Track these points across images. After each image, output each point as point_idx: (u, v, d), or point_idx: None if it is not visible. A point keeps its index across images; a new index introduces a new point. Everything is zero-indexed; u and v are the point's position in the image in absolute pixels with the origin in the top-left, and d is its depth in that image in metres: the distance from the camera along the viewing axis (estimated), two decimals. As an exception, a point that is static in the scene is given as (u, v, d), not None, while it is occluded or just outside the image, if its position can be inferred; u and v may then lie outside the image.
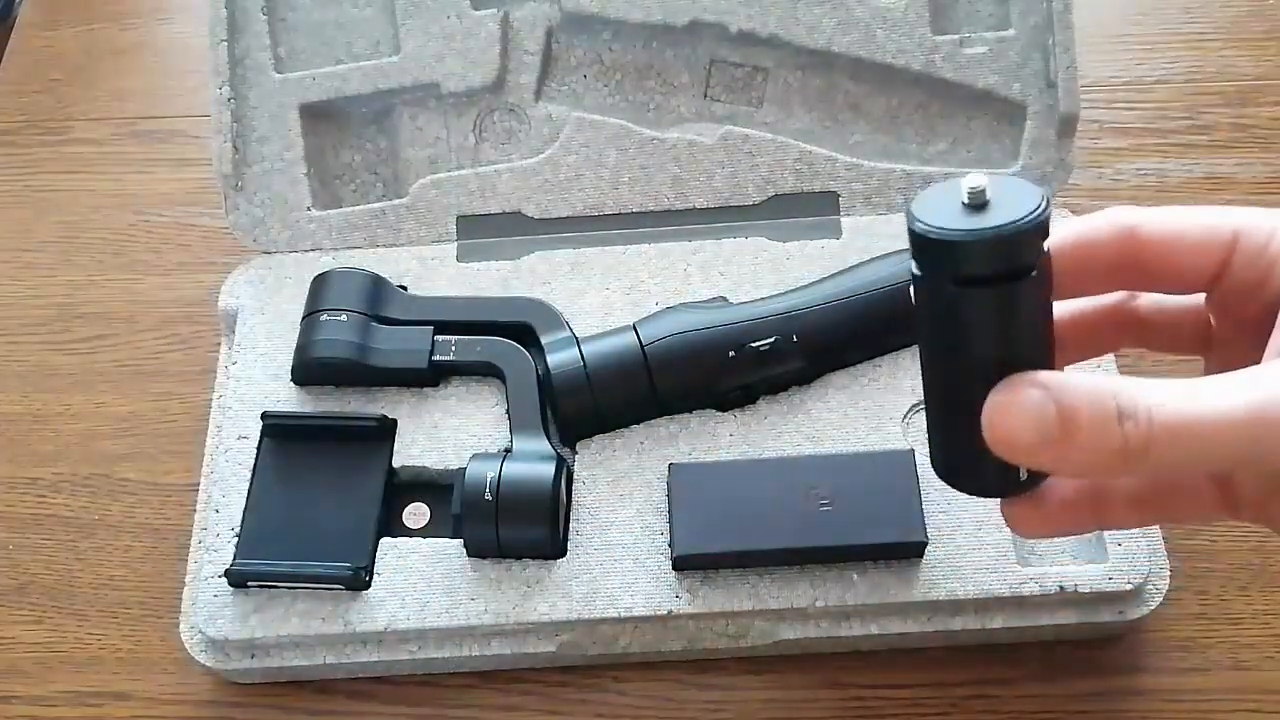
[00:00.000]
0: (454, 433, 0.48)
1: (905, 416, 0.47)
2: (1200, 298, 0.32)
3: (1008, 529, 0.44)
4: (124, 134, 0.64)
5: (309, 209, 0.54)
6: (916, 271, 0.28)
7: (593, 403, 0.46)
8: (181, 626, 0.46)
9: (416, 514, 0.47)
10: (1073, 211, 0.52)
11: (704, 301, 0.49)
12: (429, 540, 0.45)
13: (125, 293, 0.58)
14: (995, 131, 0.54)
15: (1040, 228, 0.27)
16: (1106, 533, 0.44)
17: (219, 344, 0.54)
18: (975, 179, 0.27)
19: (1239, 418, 0.25)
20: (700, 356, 0.46)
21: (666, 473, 0.46)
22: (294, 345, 0.49)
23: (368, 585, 0.44)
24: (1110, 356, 0.49)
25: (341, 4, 0.55)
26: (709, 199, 0.53)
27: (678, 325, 0.47)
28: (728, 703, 0.45)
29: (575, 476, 0.46)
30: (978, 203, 0.27)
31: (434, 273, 0.52)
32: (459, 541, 0.45)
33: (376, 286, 0.50)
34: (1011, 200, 0.27)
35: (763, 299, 0.48)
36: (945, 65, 0.53)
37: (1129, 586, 0.43)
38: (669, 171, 0.53)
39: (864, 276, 0.48)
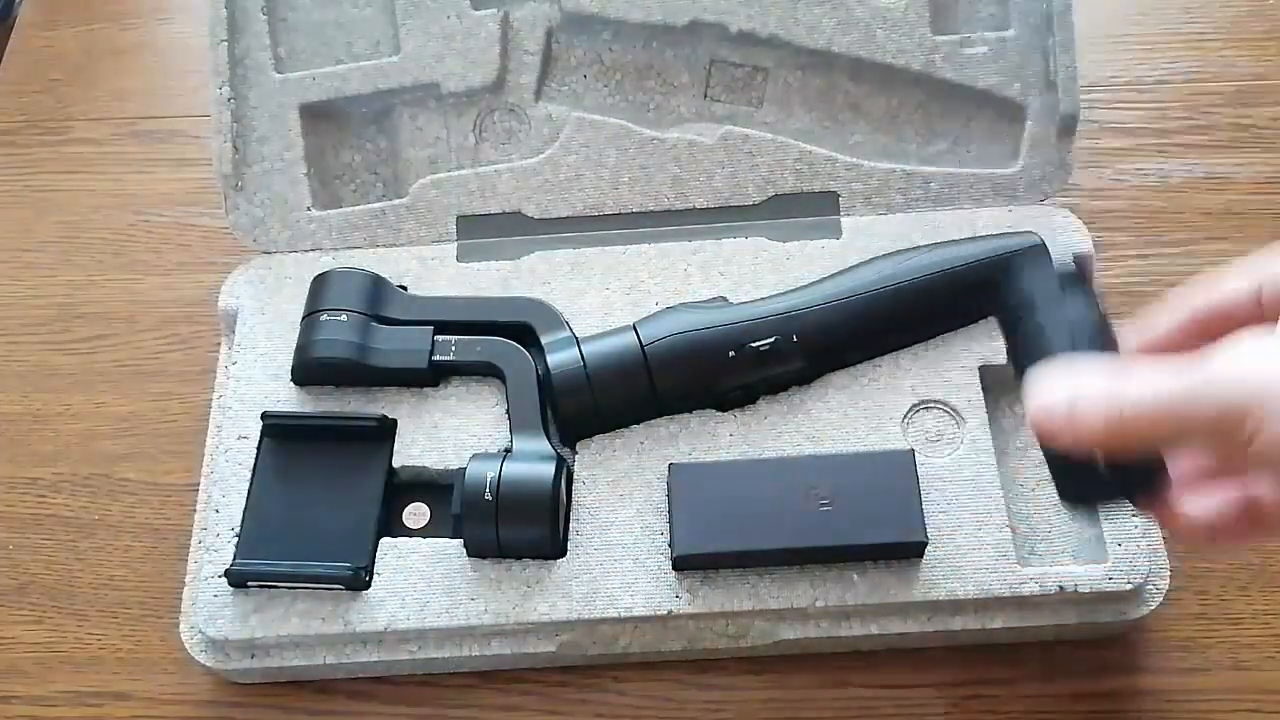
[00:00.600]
0: (454, 433, 0.48)
1: (905, 416, 0.47)
2: None
3: (1008, 529, 0.44)
4: (124, 134, 0.64)
5: (309, 209, 0.53)
6: None
7: (593, 403, 0.46)
8: (181, 626, 0.46)
9: (416, 514, 0.47)
10: (1073, 211, 0.52)
11: (704, 301, 0.49)
12: (429, 540, 0.45)
13: (125, 293, 0.58)
14: (995, 131, 0.54)
15: None
16: (1107, 533, 0.44)
17: (219, 344, 0.54)
18: None
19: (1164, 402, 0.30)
20: (700, 356, 0.46)
21: (666, 473, 0.46)
22: (294, 345, 0.49)
23: (368, 585, 0.44)
24: None
25: (341, 4, 0.55)
26: (709, 199, 0.53)
27: (678, 325, 0.47)
28: (728, 703, 0.45)
29: (575, 476, 0.46)
30: None
31: (434, 273, 0.52)
32: (459, 541, 0.45)
33: (376, 286, 0.50)
34: None
35: (763, 299, 0.48)
36: (945, 65, 0.53)
37: (1129, 586, 0.43)
38: (669, 171, 0.53)
39: (864, 276, 0.48)
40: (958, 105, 0.54)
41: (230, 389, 0.50)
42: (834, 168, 0.53)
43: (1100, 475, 0.34)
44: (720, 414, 0.48)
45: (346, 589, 0.44)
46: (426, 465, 0.47)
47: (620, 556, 0.45)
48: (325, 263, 0.52)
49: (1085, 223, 0.52)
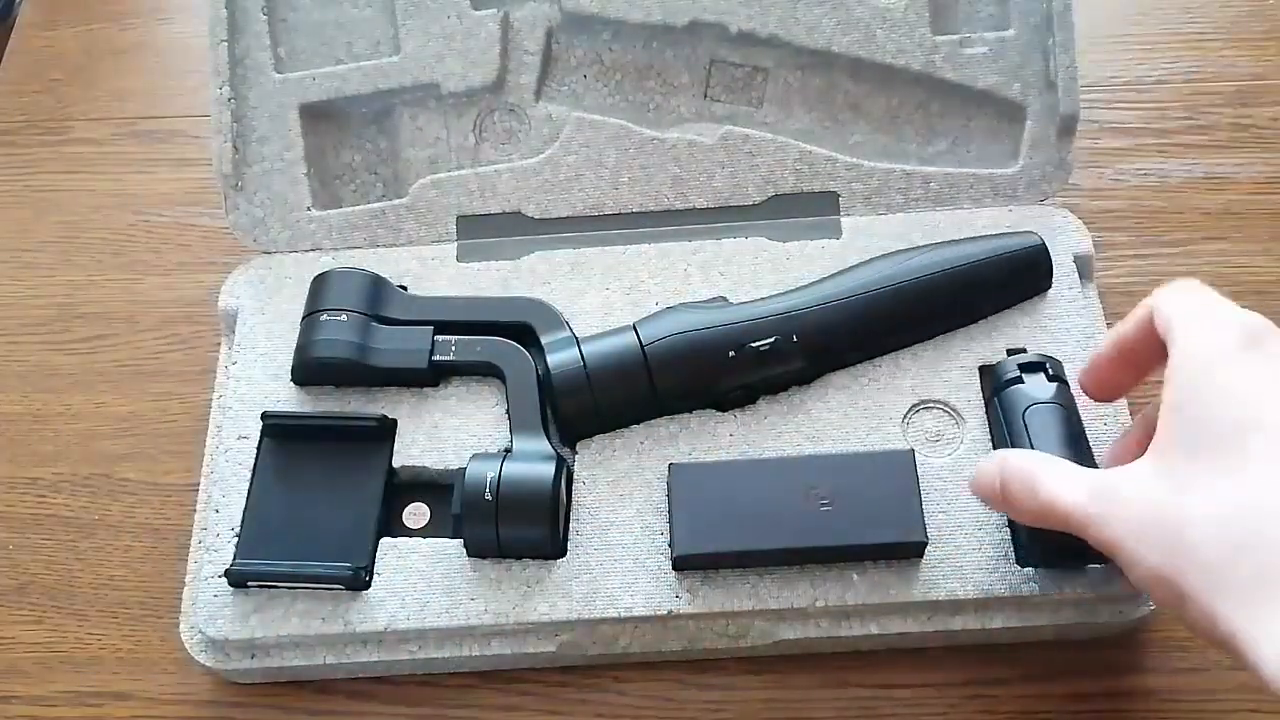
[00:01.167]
0: (454, 433, 0.48)
1: (905, 416, 0.47)
2: None
3: (1007, 529, 0.44)
4: (124, 134, 0.64)
5: (309, 209, 0.54)
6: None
7: (593, 403, 0.46)
8: (181, 626, 0.46)
9: (416, 514, 0.47)
10: (1073, 211, 0.52)
11: (704, 301, 0.49)
12: (429, 540, 0.45)
13: (125, 293, 0.58)
14: (995, 131, 0.54)
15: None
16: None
17: (219, 344, 0.54)
18: None
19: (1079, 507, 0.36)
20: (700, 356, 0.46)
21: (666, 473, 0.46)
22: (294, 345, 0.49)
23: (368, 585, 0.44)
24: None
25: (341, 4, 0.55)
26: (709, 199, 0.53)
27: (678, 325, 0.47)
28: (728, 703, 0.45)
29: (575, 476, 0.46)
30: None
31: (434, 273, 0.52)
32: (459, 541, 0.45)
33: (376, 286, 0.50)
34: None
35: (763, 299, 0.48)
36: (945, 65, 0.53)
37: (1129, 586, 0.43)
38: (669, 171, 0.53)
39: (864, 276, 0.48)
40: (958, 105, 0.54)
41: (230, 389, 0.50)
42: (834, 168, 0.53)
43: (1048, 541, 0.40)
44: (720, 414, 0.48)
45: (346, 589, 0.44)
46: (426, 465, 0.47)
47: (620, 556, 0.45)
48: (325, 263, 0.52)
49: (1085, 223, 0.52)
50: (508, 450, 0.46)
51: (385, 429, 0.48)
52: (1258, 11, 0.64)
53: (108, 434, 0.54)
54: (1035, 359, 0.46)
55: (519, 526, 0.43)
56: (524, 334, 0.49)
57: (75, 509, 0.52)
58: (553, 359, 0.47)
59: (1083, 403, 0.45)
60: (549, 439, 0.46)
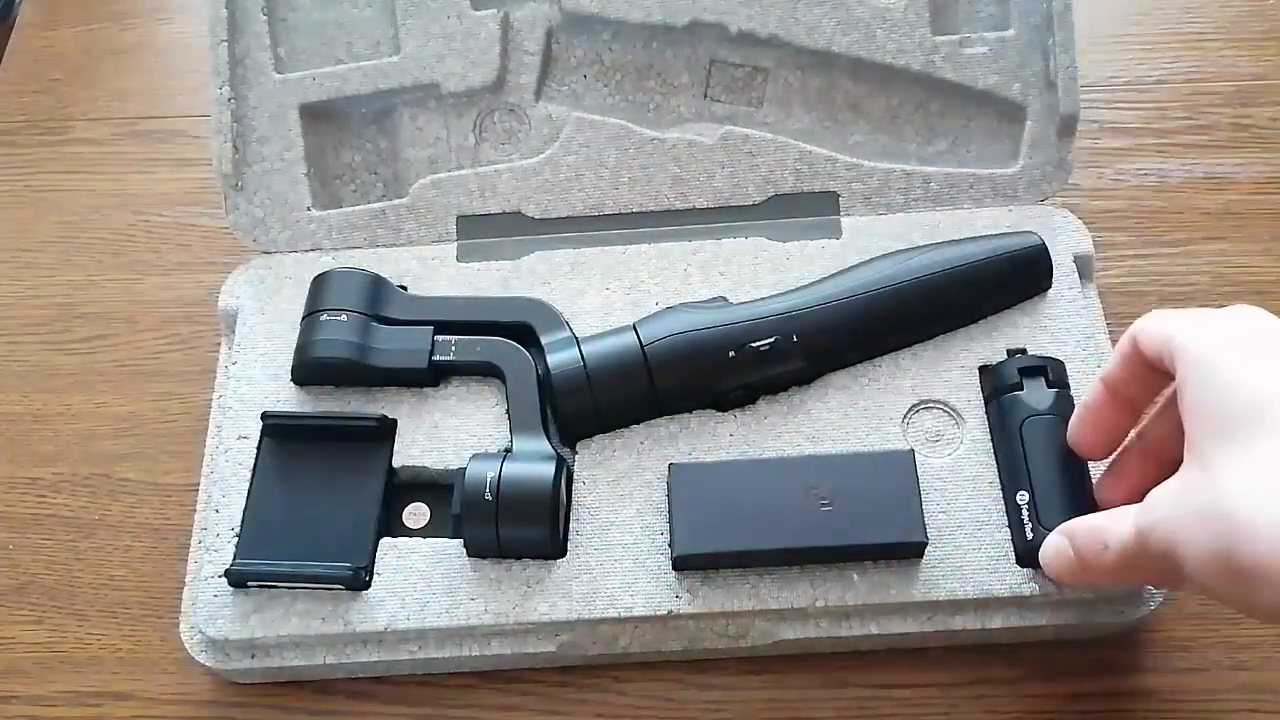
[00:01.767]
0: (454, 433, 0.48)
1: (905, 417, 0.47)
2: None
3: (1007, 529, 0.44)
4: (124, 134, 0.64)
5: (309, 209, 0.54)
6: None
7: (593, 403, 0.46)
8: (181, 626, 0.46)
9: (416, 514, 0.47)
10: (1073, 211, 0.52)
11: (704, 301, 0.49)
12: (429, 540, 0.45)
13: (125, 293, 0.58)
14: (995, 131, 0.54)
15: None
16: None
17: (219, 344, 0.54)
18: None
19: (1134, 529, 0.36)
20: (700, 356, 0.46)
21: (666, 473, 0.46)
22: (294, 345, 0.49)
23: (368, 585, 0.44)
24: None
25: (341, 4, 0.55)
26: (709, 199, 0.53)
27: (678, 325, 0.47)
28: (728, 703, 0.45)
29: (575, 476, 0.46)
30: None
31: (434, 273, 0.52)
32: (459, 541, 0.45)
33: (376, 286, 0.50)
34: None
35: (763, 299, 0.48)
36: (945, 65, 0.53)
37: (1129, 586, 0.43)
38: (669, 171, 0.53)
39: (864, 276, 0.48)
40: (958, 105, 0.54)
41: (230, 389, 0.50)
42: (834, 168, 0.53)
43: None
44: (720, 414, 0.48)
45: (346, 589, 0.44)
46: (426, 465, 0.47)
47: (620, 556, 0.45)
48: (325, 263, 0.52)
49: (1085, 223, 0.52)
50: (508, 450, 0.46)
51: (385, 429, 0.48)
52: (1258, 11, 0.64)
53: (108, 434, 0.54)
54: (1036, 362, 0.46)
55: (519, 526, 0.43)
56: (524, 334, 0.49)
57: (75, 509, 0.52)
58: (553, 359, 0.47)
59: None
60: (549, 439, 0.46)
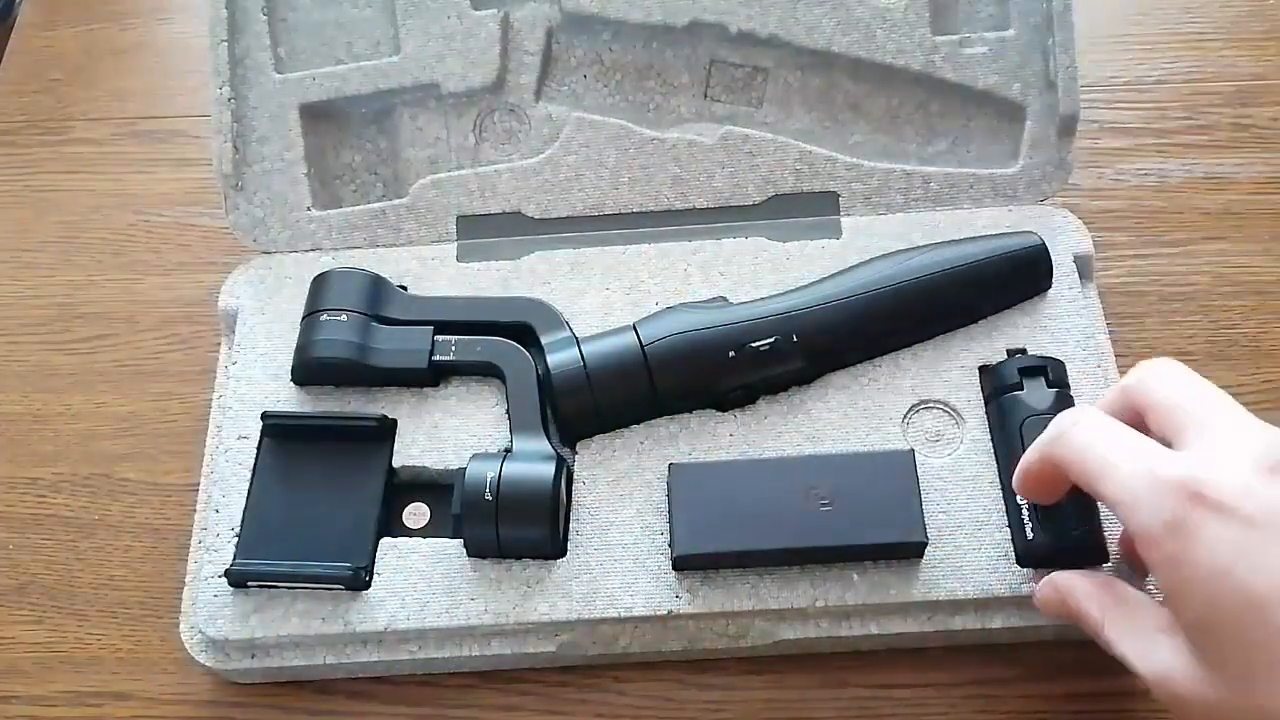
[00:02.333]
0: (454, 433, 0.48)
1: (905, 416, 0.47)
2: None
3: (1007, 529, 0.44)
4: (124, 134, 0.64)
5: (309, 209, 0.54)
6: None
7: (593, 403, 0.46)
8: (181, 626, 0.46)
9: (416, 514, 0.47)
10: (1073, 211, 0.52)
11: (704, 301, 0.49)
12: (429, 540, 0.45)
13: (125, 293, 0.58)
14: (995, 131, 0.54)
15: None
16: (1107, 533, 0.44)
17: (219, 344, 0.54)
18: None
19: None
20: (700, 356, 0.46)
21: (666, 473, 0.46)
22: (294, 345, 0.49)
23: (368, 585, 0.44)
24: None
25: (341, 4, 0.55)
26: (709, 199, 0.53)
27: (678, 325, 0.47)
28: (728, 703, 0.45)
29: (575, 476, 0.46)
30: None
31: (434, 273, 0.52)
32: (459, 541, 0.45)
33: (376, 286, 0.50)
34: None
35: (763, 299, 0.48)
36: (945, 65, 0.53)
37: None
38: (669, 171, 0.53)
39: (864, 277, 0.48)
40: (958, 105, 0.54)
41: (230, 389, 0.50)
42: (834, 168, 0.53)
43: (1049, 541, 0.43)
44: (720, 414, 0.48)
45: (346, 589, 0.44)
46: (426, 465, 0.47)
47: (620, 556, 0.45)
48: (325, 263, 0.52)
49: (1085, 223, 0.52)
50: (508, 450, 0.46)
51: (385, 429, 0.48)
52: (1258, 11, 0.64)
53: (108, 434, 0.54)
54: (1036, 362, 0.46)
55: (519, 526, 0.43)
56: (524, 334, 0.49)
57: (75, 509, 0.52)
58: (553, 359, 0.47)
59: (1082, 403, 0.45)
60: (549, 439, 0.46)
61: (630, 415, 0.47)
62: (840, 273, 0.49)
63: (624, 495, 0.46)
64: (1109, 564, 0.43)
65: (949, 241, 0.50)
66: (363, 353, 0.48)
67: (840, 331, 0.47)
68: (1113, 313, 0.52)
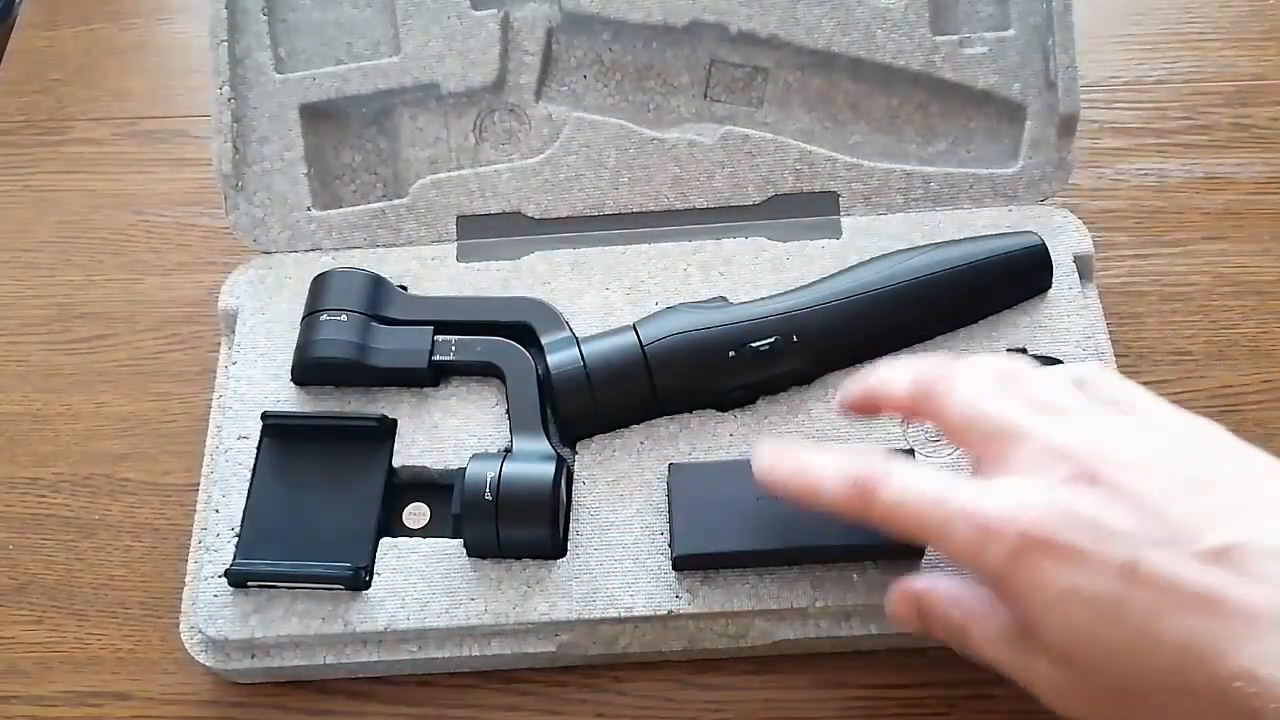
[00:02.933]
0: (454, 433, 0.48)
1: (905, 417, 0.47)
2: None
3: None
4: (124, 134, 0.64)
5: (309, 209, 0.54)
6: None
7: (593, 403, 0.46)
8: (181, 626, 0.46)
9: (416, 514, 0.47)
10: (1073, 211, 0.52)
11: (704, 301, 0.49)
12: (429, 540, 0.45)
13: (125, 293, 0.58)
14: (995, 131, 0.54)
15: None
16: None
17: (219, 344, 0.54)
18: None
19: None
20: (700, 356, 0.46)
21: (666, 473, 0.46)
22: (294, 345, 0.49)
23: (368, 585, 0.44)
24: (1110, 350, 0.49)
25: (341, 4, 0.55)
26: (709, 199, 0.53)
27: (678, 325, 0.47)
28: (728, 703, 0.45)
29: (575, 476, 0.46)
30: None
31: (434, 273, 0.52)
32: (459, 541, 0.45)
33: (376, 286, 0.50)
34: None
35: (763, 299, 0.48)
36: (945, 65, 0.53)
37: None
38: (669, 171, 0.53)
39: (864, 277, 0.48)
40: (958, 105, 0.54)
41: (230, 389, 0.50)
42: (834, 168, 0.53)
43: None
44: (720, 414, 0.48)
45: (346, 589, 0.44)
46: (426, 465, 0.47)
47: (620, 556, 0.45)
48: (325, 263, 0.52)
49: (1085, 223, 0.52)
50: (508, 450, 0.46)
51: (385, 429, 0.48)
52: (1258, 11, 0.64)
53: (108, 434, 0.54)
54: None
55: (519, 526, 0.43)
56: (524, 334, 0.49)
57: (75, 509, 0.52)
58: (553, 359, 0.47)
59: None
60: (549, 439, 0.46)
61: (630, 415, 0.47)
62: (840, 273, 0.49)
63: (624, 495, 0.46)
64: None
65: (949, 241, 0.50)
66: (363, 353, 0.48)
67: (840, 331, 0.47)
68: (1113, 313, 0.52)
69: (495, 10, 0.54)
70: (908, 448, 0.46)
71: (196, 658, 0.45)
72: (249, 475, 0.47)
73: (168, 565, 0.49)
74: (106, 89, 0.66)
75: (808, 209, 0.53)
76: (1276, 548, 0.30)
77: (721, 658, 0.45)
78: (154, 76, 0.67)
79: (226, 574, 0.44)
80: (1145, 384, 0.41)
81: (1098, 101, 0.61)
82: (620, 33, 0.55)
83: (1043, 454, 0.34)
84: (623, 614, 0.44)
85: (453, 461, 0.47)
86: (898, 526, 0.35)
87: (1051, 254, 0.50)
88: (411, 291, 0.51)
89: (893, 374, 0.39)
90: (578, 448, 0.47)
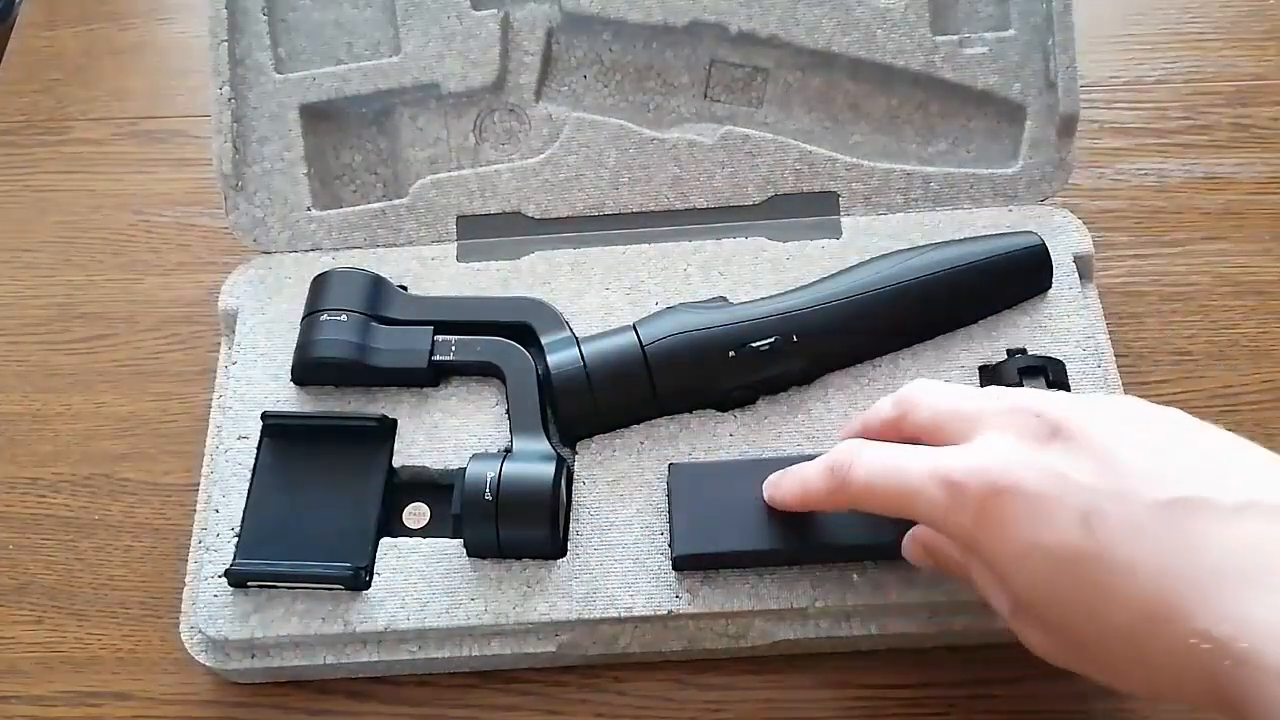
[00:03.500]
0: (454, 433, 0.48)
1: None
2: None
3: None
4: (124, 134, 0.64)
5: (309, 209, 0.54)
6: None
7: (593, 403, 0.46)
8: (181, 626, 0.46)
9: (416, 514, 0.47)
10: (1073, 211, 0.52)
11: (704, 301, 0.49)
12: (429, 540, 0.45)
13: (125, 293, 0.58)
14: (995, 131, 0.54)
15: None
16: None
17: (219, 344, 0.54)
18: None
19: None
20: (700, 356, 0.46)
21: (666, 473, 0.46)
22: (294, 345, 0.49)
23: (368, 585, 0.44)
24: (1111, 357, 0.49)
25: (341, 4, 0.55)
26: (709, 199, 0.53)
27: (678, 325, 0.47)
28: (728, 703, 0.45)
29: (575, 476, 0.46)
30: None
31: (434, 273, 0.52)
32: (459, 541, 0.45)
33: (376, 286, 0.50)
34: None
35: (763, 299, 0.48)
36: (945, 65, 0.53)
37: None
38: (669, 171, 0.53)
39: (864, 277, 0.48)
40: (958, 105, 0.54)
41: (230, 389, 0.50)
42: (834, 168, 0.53)
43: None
44: (720, 414, 0.48)
45: (346, 589, 0.44)
46: (426, 465, 0.47)
47: (620, 556, 0.45)
48: (325, 263, 0.52)
49: (1085, 223, 0.52)
50: (508, 450, 0.46)
51: (385, 429, 0.48)
52: (1258, 11, 0.64)
53: (108, 434, 0.54)
54: (1035, 362, 0.46)
55: (519, 526, 0.43)
56: (524, 334, 0.49)
57: (75, 509, 0.52)
58: (553, 359, 0.47)
59: None
60: (549, 439, 0.46)
61: (630, 415, 0.47)
62: (840, 273, 0.49)
63: (624, 495, 0.46)
64: None
65: (949, 241, 0.50)
66: (363, 353, 0.48)
67: (840, 332, 0.47)
68: (1112, 313, 0.52)
69: (495, 10, 0.54)
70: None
71: (196, 658, 0.45)
72: (249, 475, 0.47)
73: (168, 565, 0.49)
74: (106, 89, 0.66)
75: (808, 209, 0.53)
76: (1237, 506, 0.30)
77: (721, 658, 0.45)
78: (154, 76, 0.67)
79: (226, 574, 0.44)
80: (1145, 384, 0.42)
81: (1098, 101, 0.61)
82: (620, 33, 0.55)
83: (1009, 413, 0.35)
84: (623, 614, 0.44)
85: (453, 461, 0.47)
86: (875, 501, 0.36)
87: (1051, 254, 0.50)
88: (411, 291, 0.51)
89: (878, 404, 0.41)
90: (578, 448, 0.47)
